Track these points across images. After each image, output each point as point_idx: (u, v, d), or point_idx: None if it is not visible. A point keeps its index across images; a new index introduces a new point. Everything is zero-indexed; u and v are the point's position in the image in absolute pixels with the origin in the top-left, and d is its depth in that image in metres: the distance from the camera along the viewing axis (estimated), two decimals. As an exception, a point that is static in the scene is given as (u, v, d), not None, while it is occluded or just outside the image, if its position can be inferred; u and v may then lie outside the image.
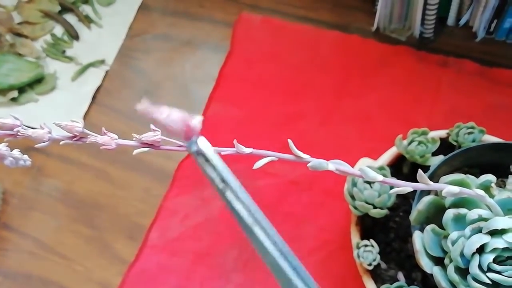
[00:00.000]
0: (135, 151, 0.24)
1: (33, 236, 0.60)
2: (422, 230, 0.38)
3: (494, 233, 0.30)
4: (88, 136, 0.24)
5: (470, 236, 0.30)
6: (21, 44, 0.71)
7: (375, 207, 0.44)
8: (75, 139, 0.25)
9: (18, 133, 0.24)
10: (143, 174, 0.62)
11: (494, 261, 0.29)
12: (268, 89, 0.66)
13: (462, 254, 0.30)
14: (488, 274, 0.29)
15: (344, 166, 0.24)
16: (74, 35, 0.71)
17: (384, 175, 0.44)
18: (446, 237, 0.34)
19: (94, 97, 0.67)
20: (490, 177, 0.33)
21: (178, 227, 0.59)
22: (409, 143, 0.48)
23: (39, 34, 0.71)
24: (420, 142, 0.47)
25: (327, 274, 0.55)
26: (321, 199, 0.59)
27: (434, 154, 0.48)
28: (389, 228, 0.48)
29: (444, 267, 0.34)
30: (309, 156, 0.25)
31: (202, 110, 0.65)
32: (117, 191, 0.62)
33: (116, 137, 0.25)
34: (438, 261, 0.35)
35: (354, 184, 0.45)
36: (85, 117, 0.66)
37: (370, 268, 0.45)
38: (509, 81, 0.62)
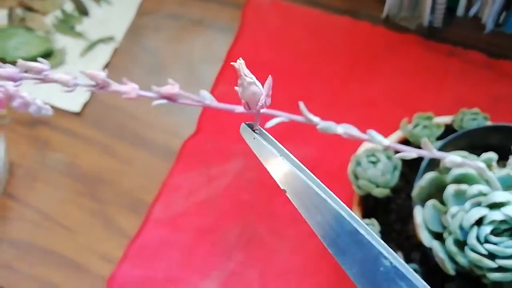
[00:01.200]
0: (154, 103, 0.25)
1: (37, 207, 0.61)
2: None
3: (492, 206, 0.30)
4: (110, 85, 0.25)
5: (469, 210, 0.31)
6: (31, 18, 0.71)
7: (378, 186, 0.44)
8: (97, 87, 0.25)
9: (46, 77, 0.24)
10: (147, 150, 0.63)
11: (492, 233, 0.30)
12: (275, 72, 0.66)
13: (461, 227, 0.31)
14: (485, 245, 0.30)
15: (352, 130, 0.25)
16: (83, 11, 0.71)
17: (388, 156, 0.45)
18: (446, 213, 0.35)
19: (102, 73, 0.67)
20: (491, 155, 0.33)
21: (182, 203, 0.59)
22: (414, 127, 0.48)
23: (49, 9, 0.71)
24: (425, 126, 0.48)
25: (327, 256, 0.55)
26: (323, 182, 0.59)
27: (438, 139, 0.49)
28: (391, 210, 0.49)
29: (442, 242, 0.35)
30: (319, 119, 0.25)
31: (209, 90, 0.65)
32: (121, 166, 0.62)
33: (137, 87, 0.25)
34: (437, 236, 0.36)
35: (358, 164, 0.45)
36: (92, 92, 0.66)
37: (371, 246, 0.45)
38: (513, 72, 0.62)
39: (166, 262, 0.56)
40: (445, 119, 0.51)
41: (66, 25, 0.70)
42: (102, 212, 0.60)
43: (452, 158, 0.26)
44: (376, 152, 0.45)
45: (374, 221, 0.46)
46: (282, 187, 0.20)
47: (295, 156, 0.66)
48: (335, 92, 0.64)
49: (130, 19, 0.70)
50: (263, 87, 0.20)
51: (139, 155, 0.62)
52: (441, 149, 0.39)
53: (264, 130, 0.23)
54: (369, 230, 0.17)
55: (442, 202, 0.35)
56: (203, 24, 0.70)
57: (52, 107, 0.65)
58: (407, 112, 0.62)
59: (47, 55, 0.68)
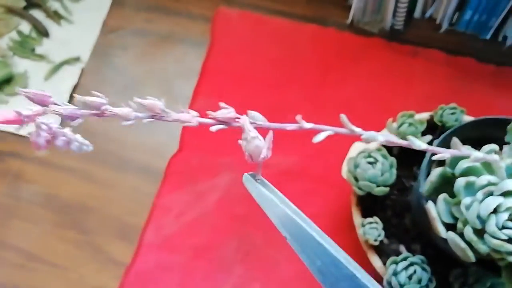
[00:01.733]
0: (214, 128, 0.24)
1: (18, 246, 0.56)
2: (417, 201, 0.41)
3: (506, 194, 0.33)
4: (170, 114, 0.24)
5: (482, 200, 0.33)
6: (-18, 42, 0.66)
7: (378, 186, 0.46)
8: (156, 117, 0.24)
9: (105, 112, 0.23)
10: (131, 173, 0.60)
11: (508, 219, 0.32)
12: (252, 83, 0.67)
13: (478, 216, 0.33)
14: (503, 231, 0.32)
15: (392, 138, 0.26)
16: (43, 32, 0.67)
17: (383, 156, 0.47)
18: (456, 204, 0.37)
19: (71, 96, 0.64)
20: (493, 146, 0.36)
21: (174, 224, 0.58)
22: (400, 125, 0.51)
23: (3, 31, 0.67)
24: (410, 124, 0.51)
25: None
26: (313, 186, 0.61)
27: (423, 134, 0.52)
28: (387, 206, 0.51)
29: (455, 232, 0.37)
30: (361, 129, 0.26)
31: (187, 105, 0.64)
32: (105, 192, 0.60)
33: (197, 114, 0.25)
34: (449, 227, 0.38)
35: (357, 166, 0.47)
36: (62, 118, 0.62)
37: (376, 243, 0.47)
38: (472, 68, 0.67)
39: (165, 287, 0.55)
40: (424, 115, 0.55)
41: (25, 47, 0.66)
42: (90, 243, 0.57)
43: (476, 154, 0.28)
44: (372, 152, 0.47)
45: (376, 219, 0.48)
46: (283, 234, 0.21)
47: (281, 167, 0.67)
48: (311, 98, 0.66)
49: (94, 38, 0.67)
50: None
51: (123, 178, 0.60)
52: (440, 145, 0.42)
53: (265, 180, 0.25)
54: (366, 274, 0.18)
55: (450, 195, 0.37)
56: (172, 39, 0.69)
57: (22, 136, 0.61)
58: (381, 112, 0.65)
59: (7, 80, 0.63)
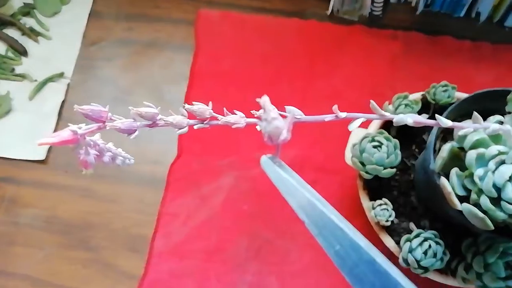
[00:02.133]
0: (259, 127, 0.24)
1: (23, 274, 0.55)
2: (429, 177, 0.43)
3: (517, 161, 0.34)
4: (218, 118, 0.24)
5: (496, 169, 0.35)
6: (-43, 67, 0.63)
7: (385, 168, 0.47)
8: (206, 121, 0.24)
9: (161, 122, 0.23)
10: (132, 184, 0.60)
11: (523, 184, 0.34)
12: (241, 82, 0.67)
13: (494, 185, 0.35)
14: (519, 197, 0.34)
15: (420, 118, 0.27)
16: (20, 51, 0.65)
17: (387, 138, 0.48)
18: (468, 176, 0.39)
19: (60, 113, 0.62)
20: (498, 117, 0.38)
21: (182, 230, 0.57)
22: (397, 107, 0.53)
23: (-22, 53, 0.64)
24: (406, 105, 0.52)
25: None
26: (315, 176, 0.61)
27: (419, 113, 0.54)
28: (392, 187, 0.52)
29: (468, 203, 0.38)
30: (389, 114, 0.27)
31: (180, 110, 0.64)
32: (108, 206, 0.58)
33: (244, 115, 0.25)
34: (461, 200, 0.40)
35: (362, 151, 0.48)
36: (54, 135, 0.61)
37: (388, 224, 0.48)
38: (449, 45, 0.70)
39: (182, 293, 0.54)
40: (416, 95, 0.56)
41: (4, 68, 0.64)
42: (98, 260, 0.56)
43: (494, 126, 0.30)
44: (375, 136, 0.48)
45: (386, 200, 0.49)
46: (301, 218, 0.21)
47: (283, 159, 0.67)
48: (301, 91, 0.67)
49: (76, 52, 0.66)
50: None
51: (125, 191, 0.59)
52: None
53: (283, 163, 0.24)
54: (386, 259, 0.17)
55: (460, 168, 0.39)
56: (156, 46, 0.68)
57: (12, 160, 0.59)
58: (369, 96, 0.67)
59: (-11, 105, 0.61)
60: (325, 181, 0.61)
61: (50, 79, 0.63)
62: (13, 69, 0.64)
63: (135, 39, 0.68)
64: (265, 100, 0.23)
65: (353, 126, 0.26)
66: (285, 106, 0.25)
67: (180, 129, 0.23)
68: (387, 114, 0.27)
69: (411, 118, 0.27)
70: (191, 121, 0.24)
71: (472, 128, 0.29)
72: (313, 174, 0.62)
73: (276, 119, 0.23)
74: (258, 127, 0.24)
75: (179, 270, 0.56)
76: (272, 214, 0.59)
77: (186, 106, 0.24)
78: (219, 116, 0.24)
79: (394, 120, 0.27)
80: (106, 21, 0.69)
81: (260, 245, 0.57)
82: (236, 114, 0.24)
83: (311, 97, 0.67)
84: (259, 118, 0.24)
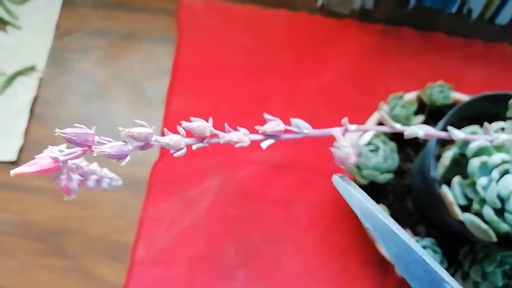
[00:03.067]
0: (265, 144, 0.21)
1: (-7, 283, 0.51)
2: (425, 185, 0.41)
3: (523, 172, 0.33)
4: (219, 136, 0.21)
5: (500, 179, 0.33)
6: None
7: (382, 173, 0.45)
8: (206, 140, 0.21)
9: (155, 143, 0.19)
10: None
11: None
12: (228, 76, 0.63)
13: (498, 196, 0.33)
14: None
15: (432, 130, 0.25)
16: (-14, 42, 0.59)
17: (384, 142, 0.46)
18: (469, 185, 0.37)
19: (31, 110, 0.57)
20: (501, 124, 0.36)
21: (166, 236, 0.54)
22: (392, 108, 0.50)
23: None
24: (402, 106, 0.50)
25: (328, 248, 0.56)
26: (306, 178, 0.59)
27: (416, 114, 0.52)
28: (388, 192, 0.51)
29: (469, 213, 0.37)
30: (400, 126, 0.24)
31: (162, 106, 0.60)
32: (85, 211, 0.55)
33: (248, 131, 0.21)
34: (462, 209, 0.38)
35: (359, 155, 0.46)
36: (26, 134, 0.56)
37: (384, 231, 0.46)
38: (440, 41, 0.68)
39: (166, 303, 0.52)
40: (412, 96, 0.54)
41: (-32, 61, 0.58)
42: (77, 269, 0.52)
43: (503, 136, 0.28)
44: (372, 139, 0.46)
45: (383, 206, 0.47)
46: (366, 225, 0.24)
47: (272, 161, 0.64)
48: (291, 86, 0.64)
49: (49, 43, 0.61)
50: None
51: (103, 194, 0.55)
52: (444, 125, 0.42)
53: (351, 181, 0.27)
54: (433, 260, 0.22)
55: (462, 176, 0.37)
56: (135, 37, 0.64)
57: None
58: (361, 94, 0.65)
59: (-48, 101, 0.56)
60: (317, 183, 0.59)
61: (20, 73, 0.58)
62: (-22, 61, 0.59)
63: (112, 29, 0.64)
64: (335, 131, 0.25)
65: (364, 140, 0.24)
66: (291, 119, 0.23)
67: (177, 151, 0.20)
68: (398, 126, 0.25)
69: (422, 131, 0.24)
70: (189, 141, 0.21)
71: (484, 140, 0.26)
72: (304, 175, 0.59)
73: (346, 147, 0.24)
74: (262, 145, 0.21)
75: (163, 278, 0.53)
76: (261, 218, 0.56)
77: (184, 123, 0.21)
78: (221, 134, 0.21)
79: (405, 133, 0.25)
80: (80, 9, 0.64)
81: (248, 251, 0.55)
82: (239, 130, 0.21)
83: (300, 93, 0.64)
84: (264, 134, 0.21)
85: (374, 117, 0.52)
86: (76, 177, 0.19)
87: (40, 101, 0.58)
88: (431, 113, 0.53)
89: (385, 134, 0.52)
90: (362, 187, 0.49)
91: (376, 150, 0.45)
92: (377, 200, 0.49)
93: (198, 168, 0.57)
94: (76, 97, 0.60)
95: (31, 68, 0.59)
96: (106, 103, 0.60)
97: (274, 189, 0.58)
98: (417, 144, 0.52)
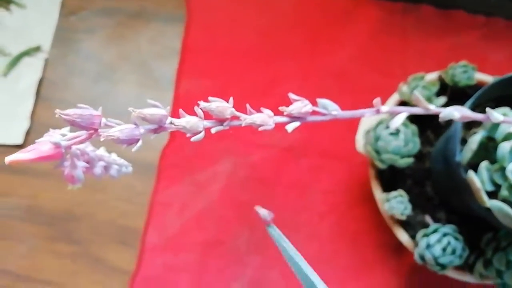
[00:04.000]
0: (291, 127, 0.19)
1: (4, 269, 0.50)
2: (448, 170, 0.39)
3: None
4: (241, 118, 0.19)
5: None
6: None
7: (402, 157, 0.43)
8: (226, 123, 0.19)
9: (171, 126, 0.18)
10: (121, 170, 0.54)
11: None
12: (239, 57, 0.61)
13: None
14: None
15: (469, 112, 0.23)
16: (-10, 21, 0.58)
17: (405, 124, 0.44)
18: (497, 170, 0.35)
19: (37, 92, 0.56)
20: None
21: (177, 221, 0.53)
22: (413, 89, 0.48)
23: None
24: (423, 87, 0.48)
25: (343, 234, 0.54)
26: (320, 162, 0.57)
27: (438, 96, 0.50)
28: (406, 176, 0.49)
29: (496, 199, 0.35)
30: (435, 107, 0.22)
31: (171, 88, 0.58)
32: (94, 195, 0.53)
33: (272, 113, 0.20)
34: (489, 195, 0.36)
35: (377, 138, 0.44)
36: (32, 116, 0.55)
37: (403, 218, 0.45)
38: (461, 20, 0.65)
39: (178, 289, 0.51)
40: (433, 76, 0.52)
41: (-28, 41, 0.57)
42: (86, 254, 0.51)
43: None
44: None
45: (401, 192, 0.45)
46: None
47: (285, 143, 0.62)
48: (304, 67, 0.62)
49: (54, 23, 0.59)
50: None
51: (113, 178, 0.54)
52: (471, 108, 0.39)
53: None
54: None
55: (490, 161, 0.35)
56: (143, 16, 0.62)
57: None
58: (377, 75, 0.62)
59: (-43, 82, 0.54)
60: (330, 167, 0.57)
61: (25, 53, 0.57)
62: (-18, 42, 0.57)
63: (120, 8, 0.61)
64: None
65: (397, 123, 0.22)
66: (318, 100, 0.21)
67: (195, 134, 0.18)
68: (432, 107, 0.23)
69: (458, 113, 0.22)
70: (208, 123, 0.19)
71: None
72: (317, 159, 0.57)
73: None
74: (288, 127, 0.19)
75: (175, 264, 0.51)
76: (274, 203, 0.55)
77: (202, 104, 0.19)
78: (243, 116, 0.19)
79: (441, 116, 0.22)
80: (87, -13, 0.61)
81: (261, 237, 0.53)
82: (263, 112, 0.19)
83: (313, 75, 0.62)
84: (289, 116, 0.19)
85: (393, 99, 0.50)
86: (81, 164, 0.17)
87: (46, 82, 0.57)
88: (453, 94, 0.51)
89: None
90: (381, 171, 0.48)
91: (396, 133, 0.43)
92: (396, 185, 0.48)
93: (209, 151, 0.56)
94: (82, 79, 0.58)
95: (36, 49, 0.57)
96: (113, 84, 0.58)
97: (287, 174, 0.56)
98: (438, 126, 0.50)
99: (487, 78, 0.50)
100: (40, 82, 0.56)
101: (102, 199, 0.53)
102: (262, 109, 0.20)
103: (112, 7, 0.61)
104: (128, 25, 0.61)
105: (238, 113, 0.19)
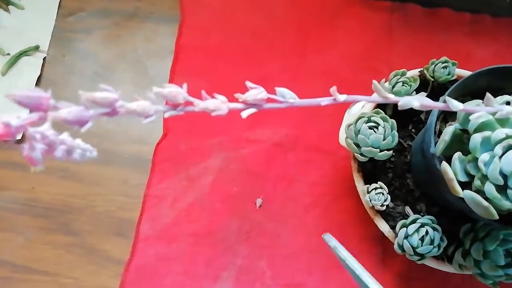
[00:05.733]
0: (245, 113, 0.21)
1: (1, 259, 0.52)
2: (425, 161, 0.40)
3: (525, 147, 0.32)
4: (195, 103, 0.21)
5: (503, 155, 0.33)
6: None
7: (381, 150, 0.45)
8: (179, 108, 0.21)
9: (121, 109, 0.19)
10: (116, 165, 0.57)
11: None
12: (230, 56, 0.63)
13: (501, 172, 0.32)
14: (526, 185, 0.32)
15: (428, 101, 0.24)
16: (-9, 22, 0.60)
17: (383, 119, 0.46)
18: (471, 161, 0.36)
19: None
20: (507, 97, 0.35)
21: (170, 213, 0.55)
22: (394, 85, 0.50)
23: None
24: (403, 83, 0.49)
25: (328, 225, 0.56)
26: (307, 156, 0.59)
27: (417, 92, 0.51)
28: (387, 169, 0.50)
29: (470, 189, 0.36)
30: (394, 96, 0.24)
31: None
32: (91, 188, 0.56)
33: (226, 99, 0.21)
34: (462, 186, 0.38)
35: (357, 132, 0.46)
36: (30, 114, 0.57)
37: (383, 209, 0.46)
38: (447, 18, 0.66)
39: (170, 278, 0.53)
40: (414, 72, 0.53)
41: (-27, 41, 0.59)
42: (82, 245, 0.53)
43: (507, 109, 0.27)
44: (371, 116, 0.46)
45: (381, 184, 0.47)
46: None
47: (275, 138, 0.64)
48: (293, 66, 0.64)
49: (52, 23, 0.61)
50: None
51: (108, 172, 0.56)
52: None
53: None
54: None
55: (463, 152, 0.36)
56: (138, 17, 0.64)
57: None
58: (365, 72, 0.64)
59: (-41, 80, 0.57)
60: (318, 161, 0.59)
61: (24, 53, 0.59)
62: (-17, 42, 0.59)
63: (116, 9, 0.63)
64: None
65: (354, 110, 0.23)
66: (276, 88, 0.22)
67: (146, 117, 0.20)
68: (391, 96, 0.24)
69: (417, 101, 0.24)
70: (160, 108, 0.21)
71: (485, 112, 0.26)
72: (305, 153, 0.59)
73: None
74: (243, 114, 0.21)
75: (167, 254, 0.54)
76: (263, 195, 0.57)
77: (155, 89, 0.20)
78: (196, 101, 0.21)
79: (399, 104, 0.24)
80: (84, -11, 0.64)
81: (250, 228, 0.55)
82: (216, 98, 0.21)
83: (304, 73, 0.63)
84: (244, 102, 0.21)
85: (374, 96, 0.52)
86: (40, 146, 0.18)
87: (44, 81, 0.59)
88: (434, 90, 0.52)
89: (385, 110, 0.51)
90: (361, 163, 0.49)
91: (375, 127, 0.45)
92: (377, 176, 0.49)
93: (201, 146, 0.58)
94: (80, 77, 0.60)
95: (35, 48, 0.60)
96: (110, 83, 0.60)
97: (275, 167, 0.58)
98: (419, 121, 0.52)
99: (468, 74, 0.52)
100: (39, 81, 0.59)
101: (99, 192, 0.56)
102: (215, 95, 0.22)
103: (108, 8, 0.63)
104: (124, 25, 0.63)
105: (191, 99, 0.21)
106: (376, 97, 0.24)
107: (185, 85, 0.20)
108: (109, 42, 0.62)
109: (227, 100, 0.21)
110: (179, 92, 0.20)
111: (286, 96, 0.21)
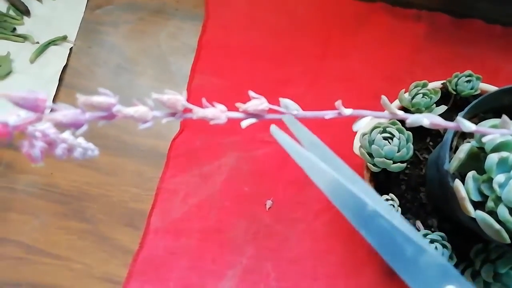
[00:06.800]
0: (245, 123, 0.22)
1: (17, 240, 0.54)
2: (442, 176, 0.40)
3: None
4: (193, 111, 0.21)
5: (518, 177, 0.32)
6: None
7: (394, 162, 0.44)
8: (177, 115, 0.21)
9: (118, 114, 0.20)
10: (132, 157, 0.58)
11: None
12: (251, 56, 0.63)
13: (515, 195, 0.32)
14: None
15: (438, 119, 0.24)
16: (23, 10, 0.62)
17: (399, 130, 0.45)
18: (485, 181, 0.35)
19: (61, 79, 0.60)
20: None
21: (181, 208, 0.56)
22: (413, 96, 0.49)
23: (-22, 10, 0.62)
24: (424, 94, 0.48)
25: (336, 233, 0.56)
26: (321, 161, 0.59)
27: (438, 105, 0.50)
28: (401, 181, 0.50)
29: (483, 211, 0.36)
30: (403, 112, 0.24)
31: (186, 83, 0.61)
32: (107, 178, 0.57)
33: (225, 108, 0.22)
34: (475, 205, 0.37)
35: (371, 142, 0.45)
36: (54, 101, 0.59)
37: (393, 221, 0.46)
38: (477, 29, 0.65)
39: (176, 272, 0.53)
40: (436, 84, 0.52)
41: (5, 27, 0.61)
42: (94, 232, 0.55)
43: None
44: (387, 127, 0.45)
45: (392, 196, 0.46)
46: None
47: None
48: (313, 70, 0.63)
49: (80, 15, 0.63)
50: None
51: (125, 163, 0.57)
52: (465, 117, 0.40)
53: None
54: (358, 188, 0.23)
55: (478, 171, 0.36)
56: (164, 13, 0.65)
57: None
58: (385, 81, 0.63)
59: (-11, 65, 0.59)
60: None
61: (52, 42, 0.61)
62: (14, 29, 0.61)
63: (142, 4, 0.65)
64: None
65: (359, 126, 0.23)
66: (280, 99, 0.22)
67: (144, 123, 0.21)
68: (399, 112, 0.24)
69: (427, 120, 0.24)
70: (157, 114, 0.21)
71: (498, 134, 0.25)
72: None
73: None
74: (242, 124, 0.21)
75: (175, 247, 0.54)
76: (273, 197, 0.57)
77: (154, 95, 0.21)
78: (195, 109, 0.21)
79: (407, 122, 0.24)
80: (113, -17, 0.65)
81: (258, 229, 0.55)
82: (215, 106, 0.21)
83: (322, 78, 0.63)
84: (245, 112, 0.21)
85: (393, 105, 0.51)
86: (39, 144, 0.19)
87: (69, 70, 0.61)
88: (457, 104, 0.51)
89: (401, 122, 0.50)
90: (375, 174, 0.49)
91: (390, 138, 0.44)
92: (389, 188, 0.49)
93: (216, 144, 0.58)
94: (104, 69, 0.62)
95: (63, 38, 0.61)
96: (132, 76, 0.61)
97: (288, 170, 0.58)
98: (437, 134, 0.51)
99: (493, 89, 0.51)
100: (64, 70, 0.60)
101: (114, 182, 0.57)
102: (214, 103, 0.22)
103: (136, 3, 0.65)
104: (149, 21, 0.64)
105: (190, 106, 0.21)
106: (383, 113, 0.23)
107: (184, 92, 0.21)
108: (134, 36, 0.63)
109: (226, 109, 0.21)
110: (178, 99, 0.20)
111: (290, 107, 0.22)
